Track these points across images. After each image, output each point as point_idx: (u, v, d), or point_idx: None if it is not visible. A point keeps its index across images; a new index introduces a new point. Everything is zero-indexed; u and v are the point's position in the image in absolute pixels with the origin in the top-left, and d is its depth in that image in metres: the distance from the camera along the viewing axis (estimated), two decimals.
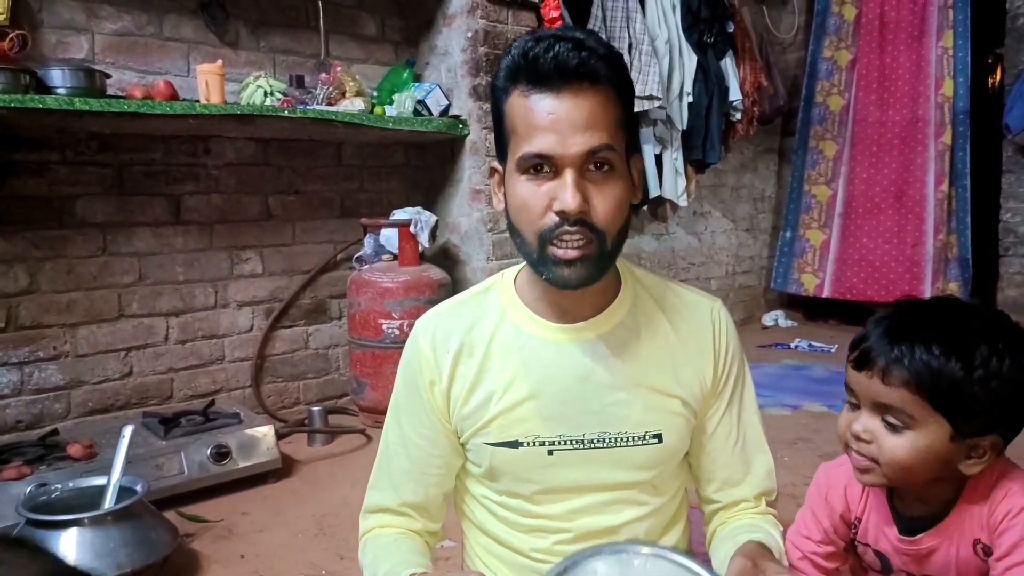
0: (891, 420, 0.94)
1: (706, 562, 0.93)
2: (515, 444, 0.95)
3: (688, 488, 1.11)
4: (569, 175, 0.85)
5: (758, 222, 4.96)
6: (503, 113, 0.91)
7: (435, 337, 0.99)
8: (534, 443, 0.95)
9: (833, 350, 4.04)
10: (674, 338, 0.99)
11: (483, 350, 0.97)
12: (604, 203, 0.87)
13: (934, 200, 4.11)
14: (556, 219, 0.86)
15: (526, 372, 0.95)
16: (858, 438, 0.98)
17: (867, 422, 0.97)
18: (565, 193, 0.85)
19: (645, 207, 3.79)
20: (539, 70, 0.85)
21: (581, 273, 0.88)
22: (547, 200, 0.86)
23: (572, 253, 0.86)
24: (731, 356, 1.02)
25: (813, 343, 4.17)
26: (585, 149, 0.85)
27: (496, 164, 0.97)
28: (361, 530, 1.05)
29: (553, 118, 0.84)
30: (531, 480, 0.97)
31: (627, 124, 0.91)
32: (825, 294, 4.50)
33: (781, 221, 4.79)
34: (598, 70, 0.85)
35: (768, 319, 4.81)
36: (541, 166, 0.87)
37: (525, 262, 0.96)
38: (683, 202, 3.77)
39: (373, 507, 1.04)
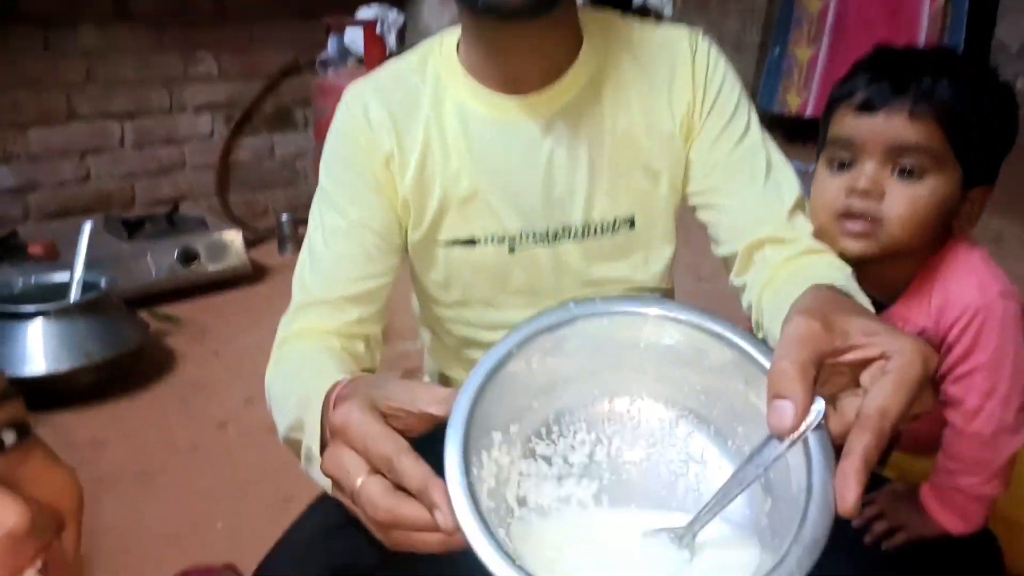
0: (908, 165, 0.84)
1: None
2: (471, 241, 0.85)
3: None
4: None
5: (745, 38, 4.74)
6: None
7: (368, 110, 0.83)
8: (492, 240, 0.84)
9: (811, 169, 4.01)
10: (644, 86, 0.84)
11: (422, 134, 0.83)
12: None
13: (928, 16, 3.94)
14: None
15: (473, 159, 0.83)
16: (865, 194, 0.85)
17: (875, 174, 0.85)
18: None
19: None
20: None
21: None
22: None
23: None
24: (720, 77, 0.87)
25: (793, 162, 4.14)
26: None
27: None
28: (278, 339, 0.82)
29: None
30: (491, 283, 0.87)
31: None
32: (808, 113, 4.39)
33: (770, 38, 4.58)
34: None
35: None
36: None
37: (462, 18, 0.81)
38: (668, 12, 3.58)
39: (303, 302, 0.82)
